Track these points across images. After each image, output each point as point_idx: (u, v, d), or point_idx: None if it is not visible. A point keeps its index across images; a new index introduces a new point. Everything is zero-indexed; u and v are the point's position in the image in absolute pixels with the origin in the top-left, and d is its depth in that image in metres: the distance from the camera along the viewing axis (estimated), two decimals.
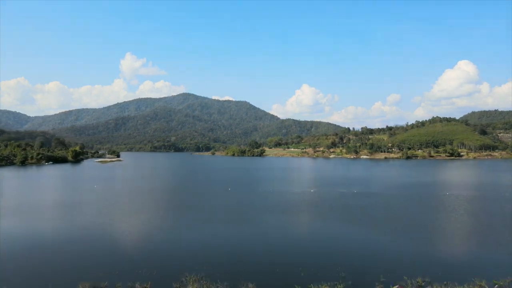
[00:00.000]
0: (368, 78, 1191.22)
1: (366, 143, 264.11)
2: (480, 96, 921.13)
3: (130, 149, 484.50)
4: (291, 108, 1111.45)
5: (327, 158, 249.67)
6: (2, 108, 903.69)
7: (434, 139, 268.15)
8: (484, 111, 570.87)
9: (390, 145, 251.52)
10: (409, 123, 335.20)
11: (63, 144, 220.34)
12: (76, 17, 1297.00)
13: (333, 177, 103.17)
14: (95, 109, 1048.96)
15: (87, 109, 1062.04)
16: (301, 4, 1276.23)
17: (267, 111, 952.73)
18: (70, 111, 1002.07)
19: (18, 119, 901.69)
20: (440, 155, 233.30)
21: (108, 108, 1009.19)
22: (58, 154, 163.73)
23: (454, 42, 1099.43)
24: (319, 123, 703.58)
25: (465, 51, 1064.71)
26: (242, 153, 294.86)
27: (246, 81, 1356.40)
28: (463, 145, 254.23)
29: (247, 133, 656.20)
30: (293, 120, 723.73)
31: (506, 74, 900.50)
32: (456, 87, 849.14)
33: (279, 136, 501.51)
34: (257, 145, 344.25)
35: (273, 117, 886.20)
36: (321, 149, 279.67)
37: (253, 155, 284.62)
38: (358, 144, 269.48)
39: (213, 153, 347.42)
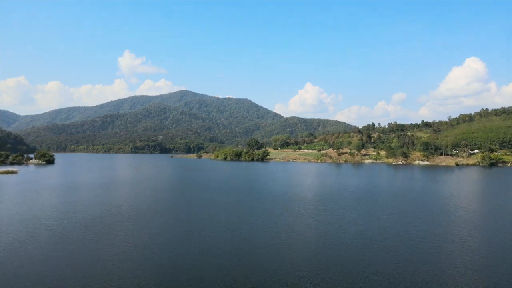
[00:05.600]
0: (373, 77, 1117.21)
1: (414, 142, 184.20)
2: (488, 95, 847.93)
3: (108, 150, 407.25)
4: (294, 107, 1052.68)
5: (360, 163, 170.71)
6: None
7: (508, 137, 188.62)
8: None
9: (455, 144, 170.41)
10: (449, 120, 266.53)
11: None
12: (75, 16, 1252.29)
13: None
14: (87, 107, 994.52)
15: (78, 107, 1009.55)
16: (304, 2, 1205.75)
17: (270, 109, 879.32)
18: (61, 109, 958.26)
19: (6, 118, 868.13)
20: None
21: (102, 106, 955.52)
22: None
23: (461, 40, 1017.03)
24: (327, 121, 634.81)
25: (472, 49, 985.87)
26: (238, 156, 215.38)
27: (248, 80, 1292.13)
28: None
29: (248, 132, 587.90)
30: (298, 118, 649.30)
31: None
32: (464, 86, 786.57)
33: (285, 134, 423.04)
34: (259, 145, 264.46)
35: (276, 115, 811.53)
36: (348, 150, 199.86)
37: (252, 159, 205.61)
38: (400, 144, 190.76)
39: (200, 156, 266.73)
